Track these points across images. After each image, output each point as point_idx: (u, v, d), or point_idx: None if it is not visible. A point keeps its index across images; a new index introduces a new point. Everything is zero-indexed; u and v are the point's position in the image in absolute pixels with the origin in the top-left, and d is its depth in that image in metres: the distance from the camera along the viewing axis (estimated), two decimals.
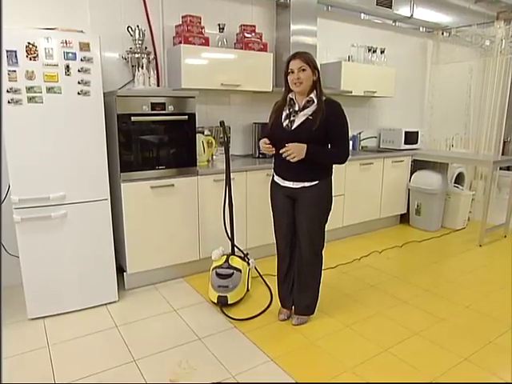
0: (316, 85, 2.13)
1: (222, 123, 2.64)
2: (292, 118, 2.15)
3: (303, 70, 2.07)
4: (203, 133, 3.35)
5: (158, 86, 3.16)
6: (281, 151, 2.10)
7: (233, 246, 2.81)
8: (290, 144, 2.07)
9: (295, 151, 2.06)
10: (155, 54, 3.11)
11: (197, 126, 3.21)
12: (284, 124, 2.17)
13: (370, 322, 2.43)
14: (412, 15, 4.35)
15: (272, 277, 2.74)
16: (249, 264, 2.78)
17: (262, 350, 2.14)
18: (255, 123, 3.70)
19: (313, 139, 2.09)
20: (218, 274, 2.60)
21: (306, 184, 2.17)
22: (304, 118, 2.12)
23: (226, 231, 2.77)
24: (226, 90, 3.24)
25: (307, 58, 2.09)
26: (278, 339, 2.25)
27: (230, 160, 2.70)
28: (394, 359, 2.07)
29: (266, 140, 2.22)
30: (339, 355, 2.10)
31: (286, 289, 2.44)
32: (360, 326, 2.37)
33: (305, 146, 2.06)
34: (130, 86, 2.98)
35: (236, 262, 2.69)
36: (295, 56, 2.10)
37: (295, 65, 2.08)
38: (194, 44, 3.00)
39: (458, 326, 2.39)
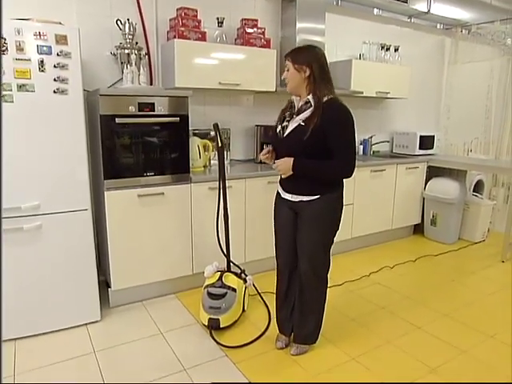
0: (309, 82, 1.82)
1: (215, 126, 2.38)
2: (285, 124, 1.90)
3: (287, 69, 1.89)
4: (208, 135, 3.08)
5: (151, 84, 2.92)
6: (273, 166, 1.91)
7: (228, 262, 2.55)
8: (277, 161, 1.89)
9: (282, 168, 1.86)
10: (148, 50, 2.86)
11: (194, 128, 3.00)
12: (277, 130, 1.94)
13: (379, 353, 2.14)
14: (429, 10, 4.03)
15: (272, 294, 2.47)
16: (246, 281, 2.52)
17: None
18: (257, 125, 3.44)
19: (305, 149, 1.82)
20: (209, 294, 2.34)
21: (305, 198, 1.90)
22: (296, 125, 1.85)
23: (221, 246, 2.50)
24: (224, 89, 2.98)
25: (291, 56, 1.88)
26: (273, 372, 1.98)
27: (225, 167, 2.44)
28: None
29: (266, 149, 2.01)
30: None
31: (284, 313, 2.17)
32: (367, 359, 2.08)
33: (291, 160, 1.83)
34: (119, 84, 2.74)
35: (231, 280, 2.42)
36: (285, 55, 1.93)
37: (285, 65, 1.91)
38: (188, 39, 2.74)
39: (482, 361, 2.08)
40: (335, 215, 1.96)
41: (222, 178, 2.42)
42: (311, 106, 1.82)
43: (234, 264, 2.58)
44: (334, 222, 1.96)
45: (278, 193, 2.09)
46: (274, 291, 2.23)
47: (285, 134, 1.89)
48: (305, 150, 1.82)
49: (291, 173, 1.86)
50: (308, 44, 1.96)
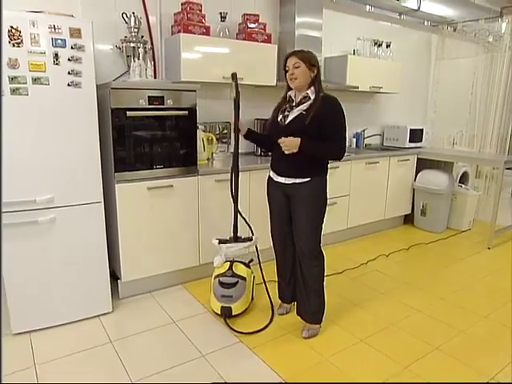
0: (314, 82, 2.08)
1: (234, 75, 2.29)
2: (286, 113, 2.13)
3: (297, 66, 2.05)
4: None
5: (155, 78, 2.93)
6: (279, 141, 2.06)
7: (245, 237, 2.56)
8: (284, 138, 2.04)
9: (288, 144, 2.02)
10: (152, 44, 2.87)
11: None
12: (278, 119, 2.16)
13: (386, 334, 2.27)
14: (419, 8, 4.17)
15: (275, 283, 2.56)
16: (251, 240, 2.53)
17: (272, 369, 1.95)
18: (257, 119, 3.50)
19: (306, 133, 2.02)
20: (221, 283, 2.40)
21: (298, 180, 2.11)
22: (297, 113, 2.08)
23: (246, 221, 2.56)
24: (228, 83, 3.02)
25: (302, 56, 2.07)
26: (289, 356, 2.07)
27: (239, 118, 2.26)
28: (417, 379, 1.90)
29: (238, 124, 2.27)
30: (357, 375, 1.93)
31: (282, 284, 2.47)
32: (375, 340, 2.20)
33: (298, 139, 2.01)
34: (124, 77, 2.74)
35: (240, 269, 2.49)
36: (290, 54, 2.10)
37: (290, 62, 2.08)
38: (194, 33, 2.77)
39: (479, 339, 2.24)
40: (323, 196, 2.17)
41: (236, 143, 2.34)
42: (309, 99, 2.07)
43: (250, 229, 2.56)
44: (323, 202, 2.17)
45: (269, 177, 2.29)
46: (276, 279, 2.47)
47: (287, 122, 2.11)
48: (305, 133, 2.03)
49: (296, 150, 2.01)
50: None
